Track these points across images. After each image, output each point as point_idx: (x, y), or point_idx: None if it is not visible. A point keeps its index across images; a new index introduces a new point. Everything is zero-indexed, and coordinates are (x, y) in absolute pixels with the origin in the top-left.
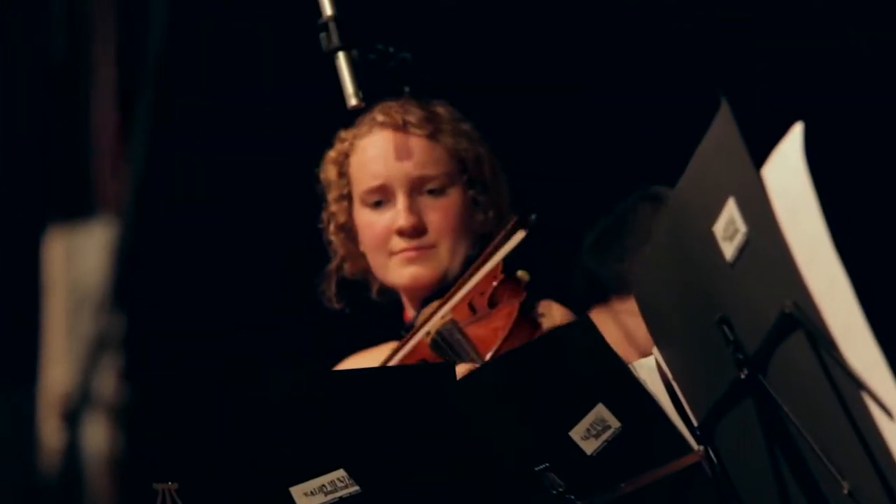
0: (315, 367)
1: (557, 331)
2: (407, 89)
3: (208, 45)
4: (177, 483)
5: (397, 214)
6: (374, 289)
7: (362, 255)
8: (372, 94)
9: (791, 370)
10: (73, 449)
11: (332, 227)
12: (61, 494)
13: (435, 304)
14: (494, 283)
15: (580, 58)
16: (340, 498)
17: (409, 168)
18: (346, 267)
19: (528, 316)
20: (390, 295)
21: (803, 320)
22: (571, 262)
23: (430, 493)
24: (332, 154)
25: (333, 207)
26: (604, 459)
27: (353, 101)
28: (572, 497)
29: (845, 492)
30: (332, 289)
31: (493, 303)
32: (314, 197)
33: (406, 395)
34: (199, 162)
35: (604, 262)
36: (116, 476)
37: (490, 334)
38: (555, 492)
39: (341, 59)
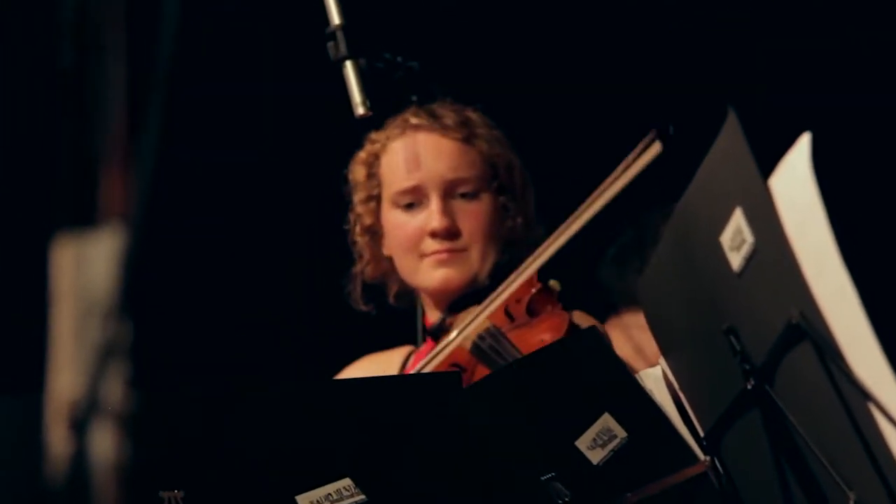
0: (321, 376)
1: (565, 340)
2: (414, 98)
3: (217, 54)
4: (183, 491)
5: (430, 216)
6: (392, 293)
7: (386, 259)
8: (379, 103)
9: (798, 381)
10: (79, 457)
11: (357, 229)
12: (68, 502)
13: (473, 309)
14: (533, 291)
15: (588, 65)
16: None
17: (443, 170)
18: (368, 270)
19: (574, 327)
20: (407, 300)
21: (810, 331)
22: (592, 276)
23: (436, 502)
24: (361, 155)
25: (360, 209)
26: (610, 469)
27: (360, 110)
28: None
29: (851, 503)
30: (358, 290)
31: (531, 311)
32: (321, 204)
33: (412, 403)
34: (207, 171)
35: (618, 276)
36: (123, 484)
37: (537, 343)
38: (561, 501)
39: (349, 68)
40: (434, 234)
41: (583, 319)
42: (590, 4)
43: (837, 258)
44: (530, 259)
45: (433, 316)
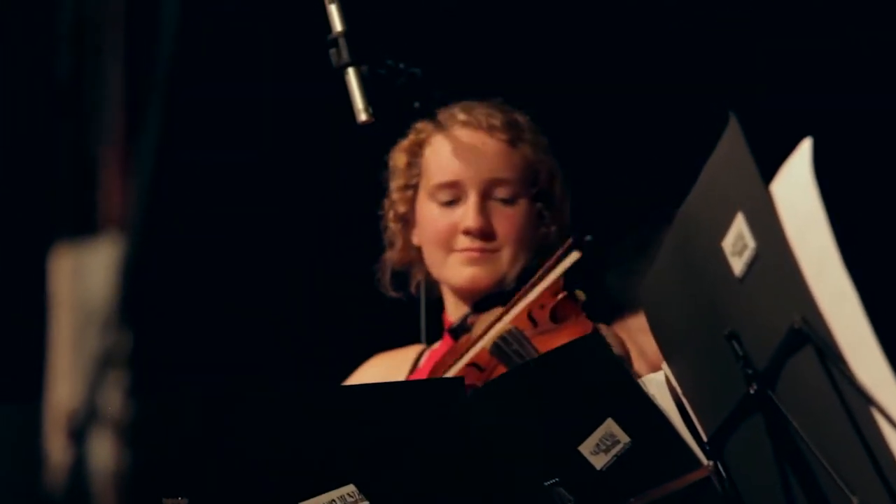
0: (324, 380)
1: (567, 346)
2: (417, 104)
3: (217, 58)
4: (186, 498)
5: (466, 213)
6: (415, 283)
7: (415, 248)
8: (382, 109)
9: (800, 385)
10: (79, 465)
11: (391, 215)
12: None
13: (496, 311)
14: (558, 298)
15: (589, 69)
16: None
17: (484, 170)
18: (395, 257)
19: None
20: (430, 292)
21: (812, 335)
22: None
23: None
24: (404, 143)
25: (396, 196)
26: (613, 474)
27: (362, 117)
28: None
29: None
30: (387, 276)
31: (554, 318)
32: (322, 209)
33: (416, 409)
34: (206, 178)
35: (622, 281)
36: (124, 492)
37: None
38: None
39: (351, 74)
40: (468, 232)
41: (607, 332)
42: (590, 8)
43: (839, 262)
44: (554, 262)
45: (454, 314)
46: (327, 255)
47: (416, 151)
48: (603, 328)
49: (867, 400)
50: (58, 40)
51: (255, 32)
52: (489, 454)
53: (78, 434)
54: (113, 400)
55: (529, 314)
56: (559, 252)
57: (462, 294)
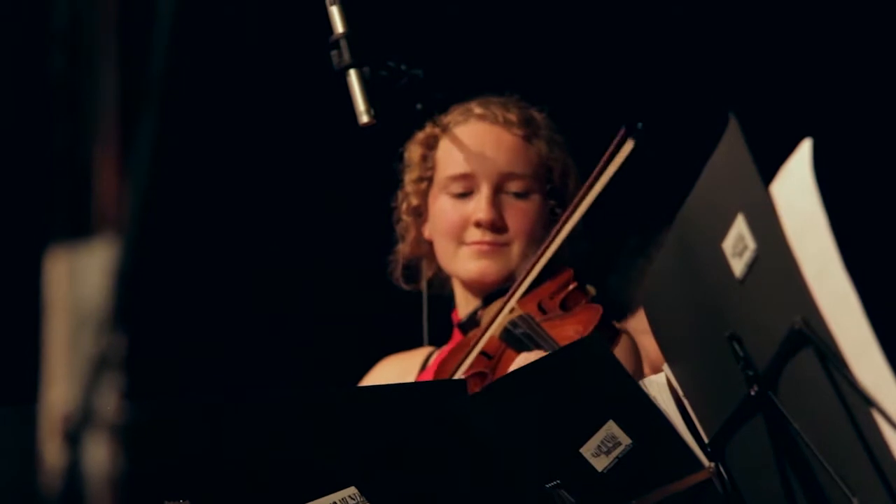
0: (326, 384)
1: (568, 348)
2: (419, 106)
3: (213, 62)
4: (188, 500)
5: (478, 206)
6: (426, 278)
7: (426, 242)
8: (383, 111)
9: (801, 387)
10: (74, 469)
11: (404, 207)
12: None
13: (501, 301)
14: (569, 288)
15: (590, 70)
16: None
17: (499, 163)
18: (406, 250)
19: (609, 324)
20: (439, 287)
21: (813, 337)
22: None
23: None
24: (420, 135)
25: (409, 188)
26: (615, 476)
27: (364, 119)
28: None
29: None
30: (399, 269)
31: (564, 307)
32: (318, 212)
33: (418, 411)
34: (203, 180)
35: (625, 282)
36: (123, 495)
37: (570, 331)
38: None
39: (352, 76)
40: (479, 225)
41: (627, 345)
42: (591, 11)
43: (839, 264)
44: (608, 157)
45: (464, 309)
46: (328, 257)
47: (432, 144)
48: (623, 337)
49: (867, 401)
50: (51, 40)
51: (254, 33)
52: (490, 456)
53: (73, 437)
54: (108, 403)
55: (539, 304)
56: (612, 147)
57: (472, 287)
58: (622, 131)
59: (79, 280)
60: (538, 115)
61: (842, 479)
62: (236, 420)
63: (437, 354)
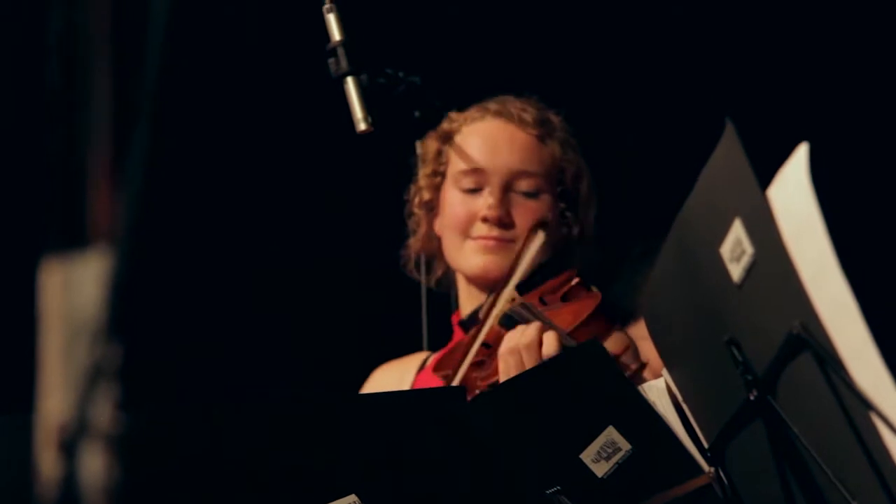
0: (326, 392)
1: (567, 354)
2: (417, 113)
3: (208, 71)
4: None
5: (486, 202)
6: (435, 277)
7: (436, 238)
8: (381, 118)
9: (800, 391)
10: (70, 478)
11: (416, 201)
12: None
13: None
14: (572, 283)
15: (589, 77)
16: None
17: (510, 161)
18: (417, 245)
19: (605, 314)
20: (445, 286)
21: (811, 341)
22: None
23: None
24: (437, 130)
25: (423, 182)
26: (615, 482)
27: (362, 126)
28: None
29: None
30: (412, 261)
31: (565, 299)
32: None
33: (418, 418)
34: (197, 190)
35: (628, 290)
36: None
37: (568, 315)
38: None
39: (350, 84)
40: (486, 220)
41: (623, 339)
42: (589, 17)
43: (837, 267)
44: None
45: (467, 308)
46: (325, 265)
47: (447, 139)
48: (619, 332)
49: (866, 405)
50: (47, 51)
51: (249, 42)
52: (491, 463)
53: (69, 447)
54: (104, 412)
55: (541, 297)
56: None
57: (476, 282)
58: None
59: (74, 290)
60: (555, 117)
61: (841, 482)
62: (235, 427)
63: (435, 357)
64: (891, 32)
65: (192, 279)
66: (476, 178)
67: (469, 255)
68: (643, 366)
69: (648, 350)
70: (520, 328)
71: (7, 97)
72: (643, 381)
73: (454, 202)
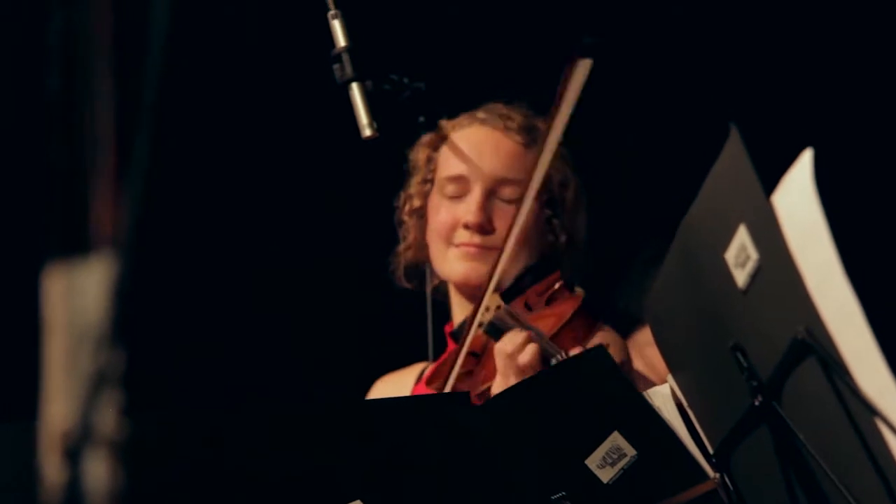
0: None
1: (572, 360)
2: (422, 119)
3: (211, 77)
4: None
5: (468, 208)
6: (432, 285)
7: (426, 246)
8: (386, 124)
9: (805, 396)
10: (73, 486)
11: (406, 208)
12: None
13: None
14: (555, 287)
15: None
16: None
17: (493, 168)
18: (408, 254)
19: (588, 314)
20: (444, 296)
21: (816, 346)
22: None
23: None
24: (426, 139)
25: (412, 190)
26: (620, 488)
27: (367, 132)
28: None
29: None
30: (401, 269)
31: (549, 303)
32: (324, 227)
33: (422, 424)
34: (200, 196)
35: (634, 296)
36: None
37: (550, 321)
38: None
39: (355, 90)
40: (467, 226)
41: (607, 337)
42: (592, 23)
43: (841, 273)
44: (564, 84)
45: (458, 317)
46: (329, 272)
47: (436, 146)
48: (602, 330)
49: (871, 410)
50: (47, 56)
51: (253, 48)
52: (495, 469)
53: (72, 454)
54: (107, 419)
55: (526, 303)
56: (566, 72)
57: (462, 291)
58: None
59: (77, 297)
60: (543, 125)
61: (846, 487)
62: (238, 433)
63: (431, 368)
64: (895, 38)
65: (196, 285)
66: (460, 184)
67: (452, 263)
68: (629, 361)
69: (653, 355)
70: (506, 337)
71: (8, 101)
72: (632, 370)
73: (439, 209)
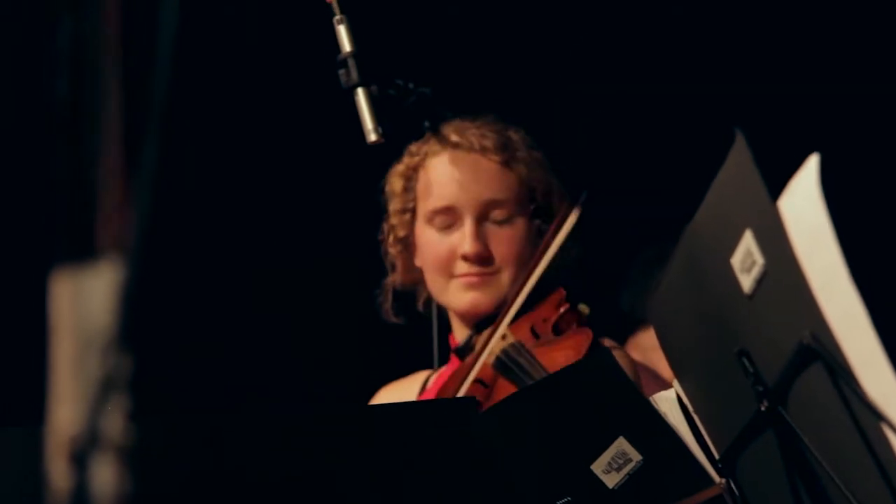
0: (336, 403)
1: (578, 365)
2: (427, 124)
3: (219, 82)
4: None
5: (463, 239)
6: (421, 300)
7: (417, 269)
8: (391, 129)
9: (811, 402)
10: (81, 490)
11: (391, 239)
12: None
13: (492, 327)
14: (560, 311)
15: (597, 91)
16: None
17: (479, 193)
18: (399, 279)
19: (597, 347)
20: (438, 310)
21: (822, 351)
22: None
23: None
24: (399, 167)
25: (394, 220)
26: (626, 493)
27: (372, 137)
28: None
29: None
30: (389, 301)
31: (557, 331)
32: (329, 233)
33: (428, 429)
34: (208, 201)
35: (637, 299)
36: None
37: (561, 358)
38: None
39: (360, 95)
40: (466, 258)
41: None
42: (602, 25)
43: (847, 278)
44: (546, 241)
45: (460, 335)
46: (336, 278)
47: (411, 176)
48: (607, 342)
49: (877, 416)
50: (56, 60)
51: (259, 54)
52: (501, 474)
53: (79, 459)
54: (114, 424)
55: (532, 328)
56: (557, 219)
57: (465, 318)
58: (565, 205)
59: (84, 301)
60: (515, 136)
61: (852, 493)
62: (244, 438)
63: (436, 377)
64: None
65: (203, 289)
66: (448, 216)
67: (455, 294)
68: (638, 380)
69: (659, 360)
70: None
71: (17, 105)
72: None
73: (431, 241)
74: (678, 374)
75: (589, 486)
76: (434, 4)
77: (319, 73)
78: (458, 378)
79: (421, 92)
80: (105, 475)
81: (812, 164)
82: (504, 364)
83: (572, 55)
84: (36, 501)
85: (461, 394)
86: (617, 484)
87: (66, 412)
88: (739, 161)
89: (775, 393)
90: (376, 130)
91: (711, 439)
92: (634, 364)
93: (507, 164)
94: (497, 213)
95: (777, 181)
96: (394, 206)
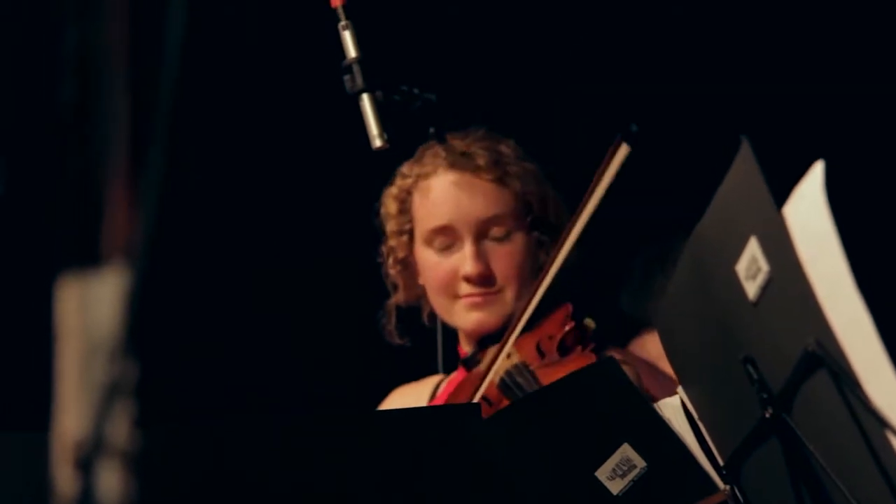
0: (341, 408)
1: (582, 371)
2: (432, 130)
3: (225, 88)
4: None
5: (464, 260)
6: (426, 314)
7: (419, 286)
8: (397, 135)
9: (816, 409)
10: (85, 496)
11: (391, 261)
12: None
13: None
14: (566, 329)
15: (602, 98)
16: None
17: (476, 212)
18: (402, 297)
19: None
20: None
21: (826, 358)
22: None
23: None
24: (393, 190)
25: (393, 242)
26: (630, 499)
27: (377, 143)
28: None
29: None
30: (392, 323)
31: (562, 349)
32: (335, 240)
33: (432, 435)
34: (214, 207)
35: (638, 303)
36: None
37: None
38: None
39: (365, 100)
40: (468, 279)
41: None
42: (606, 31)
43: (852, 285)
44: (604, 167)
45: (467, 346)
46: (342, 283)
47: (405, 198)
48: (617, 354)
49: (882, 423)
50: (62, 66)
51: (266, 59)
52: (506, 480)
53: (85, 465)
54: (120, 430)
55: (538, 346)
56: (608, 155)
57: (471, 336)
58: (618, 138)
59: (90, 307)
60: (507, 149)
61: (857, 501)
62: (250, 444)
63: (446, 384)
64: None
65: (210, 296)
66: (447, 236)
67: (460, 315)
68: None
69: (665, 366)
70: None
71: (23, 111)
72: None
73: (431, 263)
74: (683, 380)
75: (593, 492)
76: (439, 10)
77: (325, 79)
78: (465, 391)
79: (426, 98)
80: (110, 481)
81: (817, 171)
82: (508, 386)
83: (572, 55)
84: None
85: None
86: (621, 490)
87: (71, 418)
88: (744, 168)
89: (780, 400)
90: (381, 136)
91: (716, 446)
92: (639, 375)
93: (500, 180)
94: (496, 231)
95: (782, 188)
96: (391, 227)
